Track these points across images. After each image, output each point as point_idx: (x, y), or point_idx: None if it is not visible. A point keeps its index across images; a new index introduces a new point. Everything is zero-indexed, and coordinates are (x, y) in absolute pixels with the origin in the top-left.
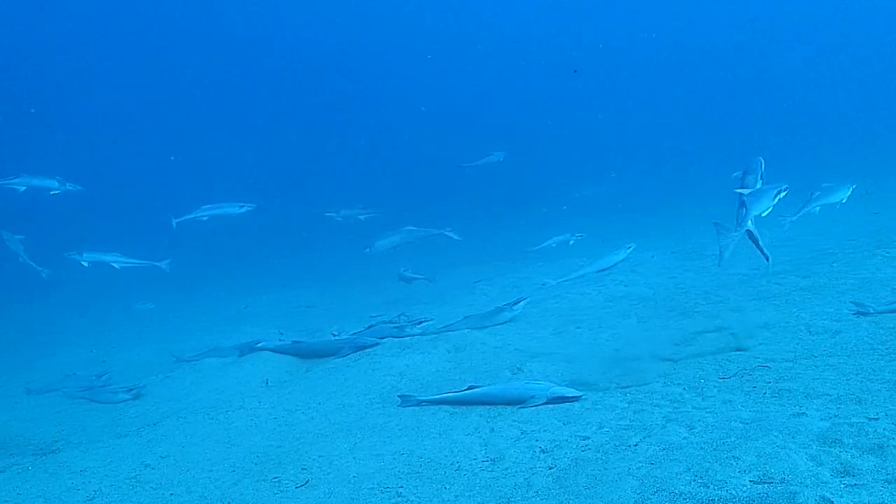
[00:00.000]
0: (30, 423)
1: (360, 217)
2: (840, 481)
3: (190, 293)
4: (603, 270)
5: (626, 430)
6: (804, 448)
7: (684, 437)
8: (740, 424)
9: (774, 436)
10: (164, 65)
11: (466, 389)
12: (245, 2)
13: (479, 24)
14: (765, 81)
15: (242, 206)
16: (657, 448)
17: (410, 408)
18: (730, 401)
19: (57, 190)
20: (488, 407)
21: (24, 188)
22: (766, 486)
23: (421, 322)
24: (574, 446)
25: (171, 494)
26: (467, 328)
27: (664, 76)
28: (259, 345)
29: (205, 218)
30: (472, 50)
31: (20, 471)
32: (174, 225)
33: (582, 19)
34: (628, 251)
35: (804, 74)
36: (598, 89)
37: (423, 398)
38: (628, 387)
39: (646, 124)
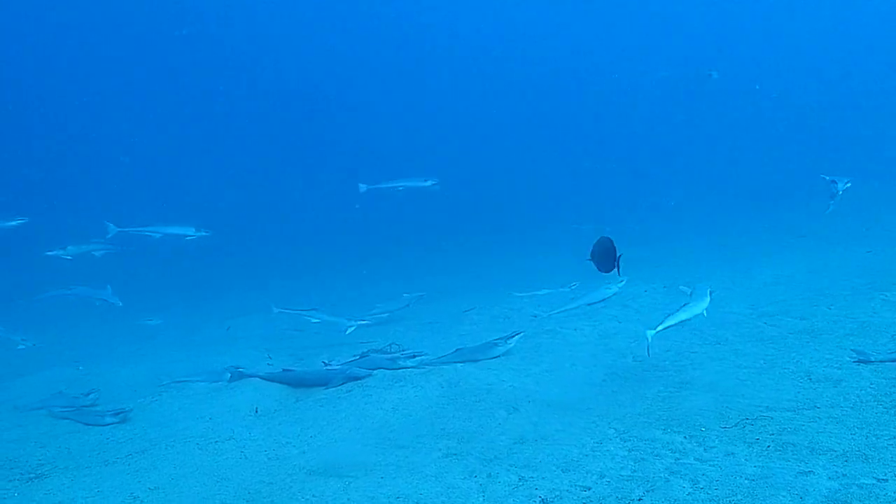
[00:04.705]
0: (14, 444)
1: (96, 254)
2: None
3: (190, 311)
4: (594, 304)
5: (628, 481)
6: None
7: (689, 493)
8: (746, 481)
9: (782, 496)
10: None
11: None
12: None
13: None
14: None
15: (426, 180)
16: None
17: (403, 448)
18: (733, 453)
19: (193, 236)
20: (485, 450)
21: (159, 235)
22: None
23: (414, 355)
24: (575, 497)
25: None
26: (460, 361)
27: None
28: (248, 371)
29: (400, 188)
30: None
31: (5, 497)
32: (363, 190)
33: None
34: (620, 285)
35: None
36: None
37: None
38: (626, 432)
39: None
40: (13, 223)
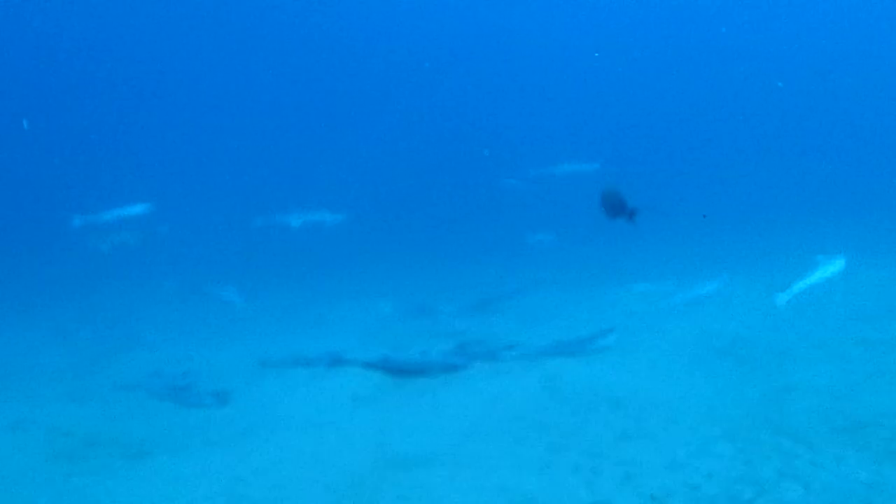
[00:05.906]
0: (117, 422)
1: (131, 242)
2: None
3: (273, 295)
4: (693, 300)
5: (737, 482)
6: None
7: (801, 496)
8: (860, 487)
9: None
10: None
11: None
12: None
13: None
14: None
15: (591, 164)
16: None
17: (505, 440)
18: (843, 458)
19: (330, 220)
20: (589, 444)
21: (299, 223)
22: None
23: (512, 347)
24: (685, 497)
25: None
26: (559, 354)
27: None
28: (347, 357)
29: (562, 173)
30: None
31: (112, 473)
32: (509, 183)
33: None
34: (720, 282)
35: None
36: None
37: None
38: (733, 432)
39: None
40: (139, 208)
